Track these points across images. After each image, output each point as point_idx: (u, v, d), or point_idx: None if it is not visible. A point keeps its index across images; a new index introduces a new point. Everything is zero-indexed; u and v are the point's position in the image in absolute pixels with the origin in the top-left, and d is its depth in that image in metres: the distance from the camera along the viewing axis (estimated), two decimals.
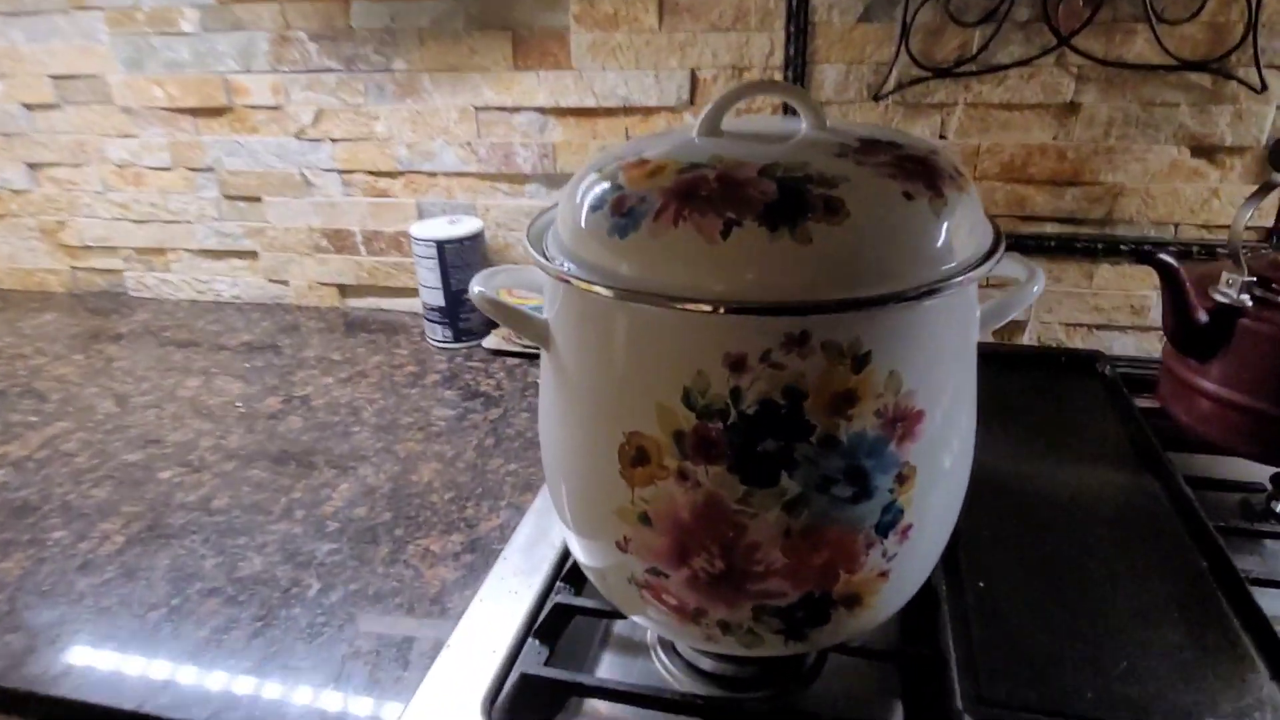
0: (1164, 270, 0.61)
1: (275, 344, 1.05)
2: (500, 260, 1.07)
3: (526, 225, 0.45)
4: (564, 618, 0.54)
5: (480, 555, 0.64)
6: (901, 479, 0.40)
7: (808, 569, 0.41)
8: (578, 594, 0.56)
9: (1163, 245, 0.86)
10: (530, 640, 0.53)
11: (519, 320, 0.45)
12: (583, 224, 0.40)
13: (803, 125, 0.43)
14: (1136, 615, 0.53)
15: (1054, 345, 0.94)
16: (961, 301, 0.41)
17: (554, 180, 1.01)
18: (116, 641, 0.57)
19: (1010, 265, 0.47)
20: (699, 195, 0.37)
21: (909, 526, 0.42)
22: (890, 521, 0.41)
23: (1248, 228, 0.84)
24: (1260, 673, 0.49)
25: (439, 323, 1.02)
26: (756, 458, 0.38)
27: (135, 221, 1.17)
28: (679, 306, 0.36)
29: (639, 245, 0.38)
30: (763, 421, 0.38)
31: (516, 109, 0.98)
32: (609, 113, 0.96)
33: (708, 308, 0.36)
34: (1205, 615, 0.53)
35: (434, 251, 0.98)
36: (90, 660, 0.55)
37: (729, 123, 0.44)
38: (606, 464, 0.42)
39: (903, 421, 0.39)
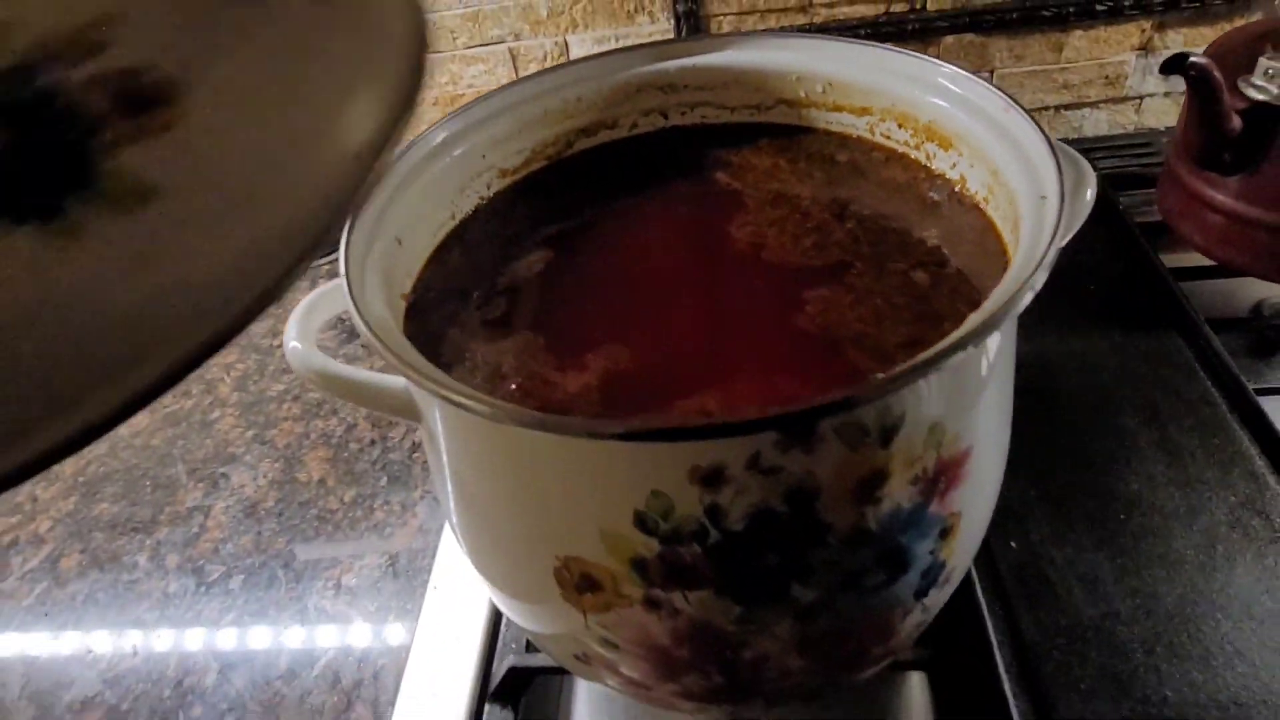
0: (1197, 76, 0.48)
1: None
2: None
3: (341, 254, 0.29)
4: (522, 680, 0.44)
5: (403, 583, 0.53)
6: (945, 533, 0.29)
7: (833, 660, 0.31)
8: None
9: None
10: (489, 706, 0.44)
11: (370, 397, 0.31)
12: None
13: None
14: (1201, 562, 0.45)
15: None
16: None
17: None
18: None
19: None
20: None
21: (952, 570, 0.32)
22: (931, 580, 0.31)
23: None
24: None
25: None
26: (755, 575, 0.27)
27: None
28: (606, 437, 0.23)
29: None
30: (759, 536, 0.26)
31: None
32: None
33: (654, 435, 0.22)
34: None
35: None
36: None
37: None
38: (540, 587, 0.30)
39: (945, 473, 0.28)
